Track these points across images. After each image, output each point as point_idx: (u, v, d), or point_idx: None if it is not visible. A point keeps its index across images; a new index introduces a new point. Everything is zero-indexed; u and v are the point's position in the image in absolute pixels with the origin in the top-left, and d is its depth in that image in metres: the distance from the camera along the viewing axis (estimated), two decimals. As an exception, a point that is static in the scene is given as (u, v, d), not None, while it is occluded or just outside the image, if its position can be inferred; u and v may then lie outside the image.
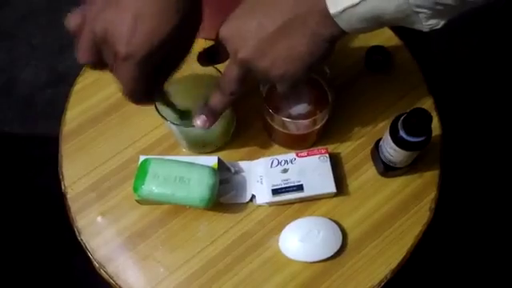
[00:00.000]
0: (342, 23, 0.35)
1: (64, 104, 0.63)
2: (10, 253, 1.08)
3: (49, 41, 1.39)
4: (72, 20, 0.37)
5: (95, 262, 0.54)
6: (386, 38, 0.65)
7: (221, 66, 0.48)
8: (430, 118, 0.46)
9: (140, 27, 0.34)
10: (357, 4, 0.33)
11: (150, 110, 0.50)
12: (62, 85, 1.31)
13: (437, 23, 0.34)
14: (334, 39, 0.38)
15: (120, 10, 0.35)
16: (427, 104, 0.61)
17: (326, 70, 0.52)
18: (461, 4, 0.32)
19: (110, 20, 0.35)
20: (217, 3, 0.49)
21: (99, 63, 0.38)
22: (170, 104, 0.48)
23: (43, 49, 1.39)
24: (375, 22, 0.35)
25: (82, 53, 0.37)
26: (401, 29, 0.37)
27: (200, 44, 0.43)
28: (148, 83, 0.38)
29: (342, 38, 0.38)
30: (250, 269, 0.53)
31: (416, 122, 0.47)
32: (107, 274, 0.53)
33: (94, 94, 0.63)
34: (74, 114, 0.62)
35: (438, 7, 0.32)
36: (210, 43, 0.44)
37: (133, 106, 0.60)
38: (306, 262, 0.53)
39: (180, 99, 0.50)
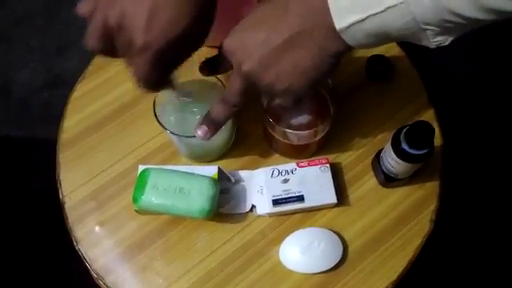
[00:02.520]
0: (348, 38, 0.35)
1: (61, 107, 0.63)
2: (6, 259, 1.07)
3: (46, 43, 1.38)
4: (85, 5, 0.37)
5: (93, 273, 0.53)
6: (386, 47, 0.65)
7: (222, 76, 0.47)
8: (433, 131, 0.46)
9: (158, 17, 0.34)
10: (363, 20, 0.33)
11: (149, 118, 0.49)
12: (59, 87, 1.30)
13: (444, 40, 0.34)
14: (340, 54, 0.37)
15: None
16: (428, 114, 0.61)
17: (328, 82, 0.52)
18: (470, 22, 0.32)
19: (126, 8, 0.35)
20: (222, 13, 0.49)
21: (110, 51, 0.38)
22: (176, 88, 0.47)
23: (40, 51, 1.38)
24: (382, 38, 0.35)
25: (93, 39, 0.37)
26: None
27: (202, 52, 0.43)
28: (163, 72, 0.39)
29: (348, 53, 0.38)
30: (250, 280, 0.52)
31: (418, 134, 0.46)
32: (105, 284, 0.52)
33: (92, 101, 0.62)
34: (73, 121, 0.61)
35: (447, 24, 0.32)
36: (212, 52, 0.44)
37: (131, 114, 0.61)
38: (307, 274, 0.52)
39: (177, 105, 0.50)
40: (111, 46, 0.37)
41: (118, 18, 0.35)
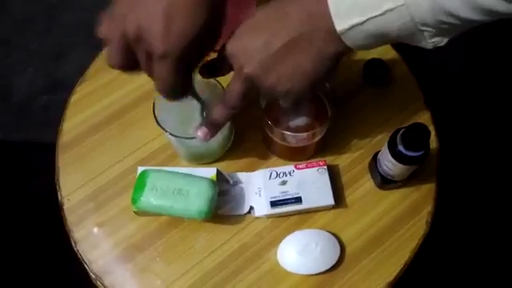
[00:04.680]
0: (348, 40, 0.36)
1: (60, 111, 0.63)
2: (6, 260, 1.07)
3: (45, 47, 1.39)
4: (102, 27, 0.37)
5: (92, 274, 0.54)
6: (383, 51, 0.66)
7: (221, 78, 0.48)
8: (429, 133, 0.46)
9: (174, 23, 0.35)
10: (364, 22, 0.34)
11: (148, 120, 0.50)
12: (58, 91, 1.30)
13: (440, 41, 0.35)
14: (339, 56, 0.38)
15: (151, 6, 0.35)
16: (424, 117, 0.62)
17: (325, 84, 0.53)
18: (465, 23, 0.33)
19: (141, 19, 0.35)
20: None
21: (131, 65, 0.38)
22: (195, 94, 0.47)
23: (40, 55, 1.38)
24: (380, 40, 0.36)
25: (115, 57, 0.37)
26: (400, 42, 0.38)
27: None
28: (183, 78, 0.39)
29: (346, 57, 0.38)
30: (247, 281, 0.53)
31: (415, 136, 0.47)
32: (104, 286, 0.53)
33: (92, 104, 0.63)
34: (72, 124, 0.62)
35: (443, 26, 0.33)
36: (212, 54, 0.45)
37: (131, 117, 0.62)
38: (304, 275, 0.53)
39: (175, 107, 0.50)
40: (132, 61, 0.38)
41: (135, 30, 0.35)
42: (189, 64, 0.39)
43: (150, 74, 0.39)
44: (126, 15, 0.36)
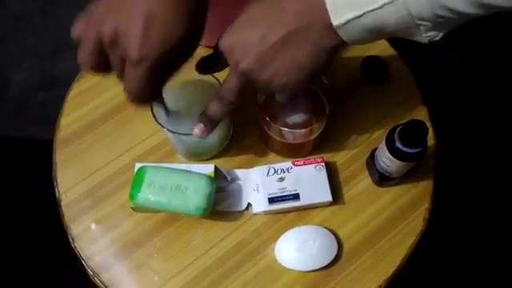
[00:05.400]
0: (344, 34, 0.36)
1: (57, 107, 0.63)
2: (3, 257, 1.07)
3: (41, 43, 1.38)
4: (77, 26, 0.37)
5: (89, 270, 0.53)
6: (381, 48, 0.66)
7: (218, 74, 0.48)
8: (427, 130, 0.46)
9: (153, 31, 0.34)
10: (360, 16, 0.34)
11: (146, 116, 0.50)
12: (54, 88, 1.30)
13: (436, 35, 0.35)
14: (335, 50, 0.38)
15: (131, 11, 0.34)
16: (422, 114, 0.62)
17: (323, 80, 0.53)
18: (461, 16, 0.33)
19: (121, 21, 0.34)
20: (217, 12, 0.49)
21: (102, 67, 0.38)
22: (163, 104, 0.48)
23: (36, 51, 1.38)
24: (376, 34, 0.36)
25: (87, 57, 0.37)
26: (395, 38, 0.38)
27: (198, 51, 0.43)
28: (154, 86, 0.39)
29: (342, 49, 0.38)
30: (245, 278, 0.53)
31: (412, 133, 0.47)
32: (101, 282, 0.53)
33: (89, 100, 0.63)
34: (69, 120, 0.62)
35: (439, 19, 0.33)
36: (208, 51, 0.45)
37: (129, 113, 0.62)
38: (302, 271, 0.53)
39: (173, 102, 0.50)
40: (104, 62, 0.37)
41: (111, 33, 0.35)
42: (161, 73, 0.38)
43: (121, 78, 0.38)
44: (104, 17, 0.35)
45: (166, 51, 0.35)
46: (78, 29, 0.37)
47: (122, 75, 0.38)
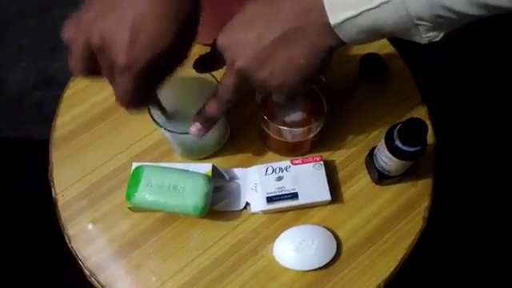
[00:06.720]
0: (342, 34, 0.35)
1: (54, 107, 0.62)
2: (-1, 258, 1.06)
3: (38, 42, 1.38)
4: (67, 30, 0.37)
5: (86, 271, 0.53)
6: (379, 46, 0.65)
7: (216, 73, 0.47)
8: (426, 128, 0.46)
9: (140, 36, 0.34)
10: (357, 15, 0.33)
11: (143, 116, 0.49)
12: (51, 87, 1.29)
13: (436, 35, 0.34)
14: (332, 50, 0.38)
15: (119, 18, 0.34)
16: (421, 113, 0.62)
17: (321, 79, 0.52)
18: (461, 17, 0.32)
19: (108, 27, 0.34)
20: (214, 9, 0.49)
21: (92, 71, 0.37)
22: (159, 106, 0.48)
23: (32, 50, 1.37)
24: (375, 34, 0.35)
25: (77, 61, 0.36)
26: (394, 37, 0.37)
27: (195, 49, 0.43)
28: (145, 91, 0.38)
29: (340, 49, 0.38)
30: (243, 278, 0.52)
31: (412, 131, 0.47)
32: (98, 282, 0.52)
33: (86, 99, 0.62)
34: (65, 119, 0.61)
35: (439, 20, 0.33)
36: (205, 49, 0.44)
37: (125, 112, 0.61)
38: (301, 271, 0.52)
39: (170, 101, 0.50)
40: (94, 67, 0.37)
41: (99, 39, 0.34)
42: (152, 79, 0.38)
43: (111, 83, 0.38)
44: (93, 22, 0.35)
45: (153, 58, 0.35)
46: (68, 32, 0.37)
47: (111, 80, 0.37)
